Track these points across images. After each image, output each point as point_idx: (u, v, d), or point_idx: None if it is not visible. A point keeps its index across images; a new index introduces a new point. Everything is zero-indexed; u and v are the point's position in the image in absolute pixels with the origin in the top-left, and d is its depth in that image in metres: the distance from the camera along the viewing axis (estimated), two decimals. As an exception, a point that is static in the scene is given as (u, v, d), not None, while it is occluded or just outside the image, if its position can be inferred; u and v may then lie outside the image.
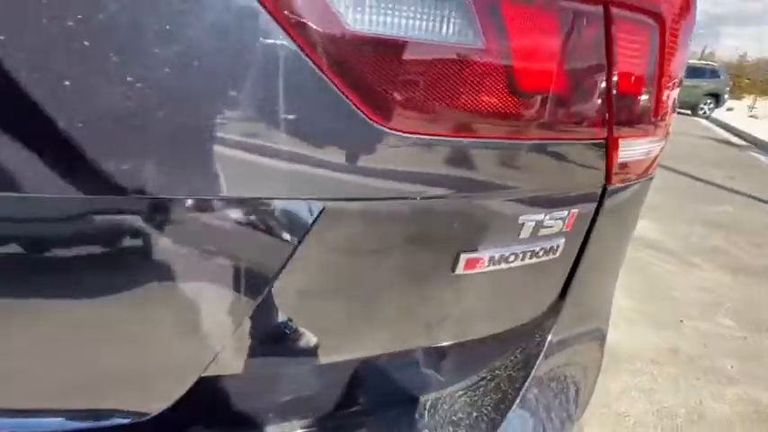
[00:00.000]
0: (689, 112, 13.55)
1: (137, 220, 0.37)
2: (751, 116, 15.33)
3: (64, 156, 0.32)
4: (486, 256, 0.47)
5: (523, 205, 0.46)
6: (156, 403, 0.46)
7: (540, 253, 0.51)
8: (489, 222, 0.46)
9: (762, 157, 7.57)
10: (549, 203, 0.48)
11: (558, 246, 0.52)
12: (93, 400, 0.45)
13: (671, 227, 3.51)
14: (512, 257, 0.49)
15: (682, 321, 2.24)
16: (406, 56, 0.35)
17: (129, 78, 0.30)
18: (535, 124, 0.41)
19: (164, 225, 0.38)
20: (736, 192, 4.88)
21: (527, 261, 0.51)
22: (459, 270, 0.46)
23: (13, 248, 0.36)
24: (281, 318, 0.46)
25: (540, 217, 0.48)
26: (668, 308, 2.36)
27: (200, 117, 0.33)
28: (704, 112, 13.55)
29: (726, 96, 14.13)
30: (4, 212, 0.34)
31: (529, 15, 0.37)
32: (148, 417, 0.47)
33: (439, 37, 0.35)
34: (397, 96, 0.36)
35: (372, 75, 0.34)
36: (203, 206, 0.38)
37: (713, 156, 7.16)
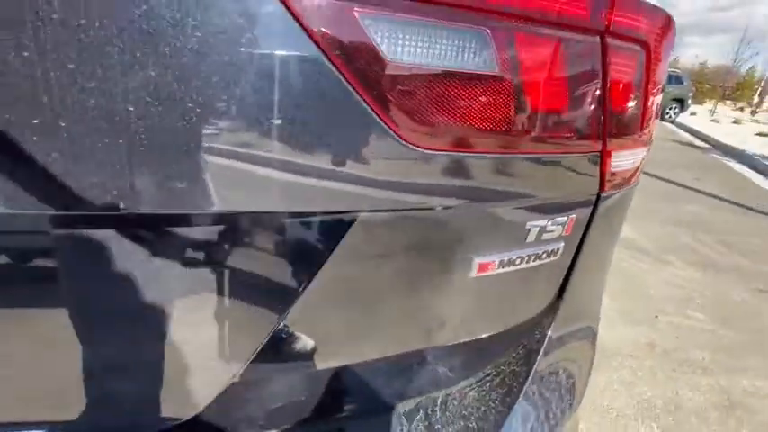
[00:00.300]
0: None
1: (181, 233, 0.40)
2: (712, 120, 16.15)
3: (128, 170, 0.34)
4: (496, 260, 0.51)
5: (531, 212, 0.51)
6: (190, 410, 0.48)
7: (543, 256, 0.55)
8: (501, 228, 0.50)
9: (723, 159, 7.99)
10: (552, 210, 0.53)
11: (558, 249, 0.57)
12: (139, 407, 0.46)
13: (645, 226, 3.67)
14: (518, 260, 0.53)
15: (657, 317, 2.36)
16: (433, 82, 0.39)
17: (189, 104, 0.33)
18: (543, 140, 0.45)
19: (204, 238, 0.41)
20: (703, 192, 5.14)
21: (531, 264, 0.55)
22: (473, 273, 0.51)
23: (68, 261, 0.38)
24: (312, 324, 0.48)
25: (544, 222, 0.52)
26: (644, 304, 2.48)
27: (246, 139, 0.36)
28: (670, 117, 14.18)
29: (689, 102, 14.82)
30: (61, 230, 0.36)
31: (538, 45, 0.41)
32: (181, 421, 0.49)
33: (461, 65, 0.39)
34: (424, 117, 0.40)
35: (403, 99, 0.38)
36: (245, 220, 0.40)
37: (680, 158, 7.51)
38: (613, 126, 0.52)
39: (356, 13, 0.34)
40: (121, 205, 0.35)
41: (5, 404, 0.45)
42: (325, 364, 0.52)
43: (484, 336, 0.63)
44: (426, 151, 0.41)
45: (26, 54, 0.30)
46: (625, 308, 2.40)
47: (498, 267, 0.52)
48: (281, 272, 0.44)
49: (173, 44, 0.31)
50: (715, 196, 5.01)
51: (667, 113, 14.11)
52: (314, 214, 0.41)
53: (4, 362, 0.43)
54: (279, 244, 0.42)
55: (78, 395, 0.45)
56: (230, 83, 0.33)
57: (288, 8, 0.33)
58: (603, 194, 0.59)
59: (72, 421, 0.45)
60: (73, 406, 0.46)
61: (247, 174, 0.37)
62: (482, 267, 0.51)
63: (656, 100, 0.59)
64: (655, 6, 0.50)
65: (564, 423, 0.70)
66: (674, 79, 13.94)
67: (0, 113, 0.31)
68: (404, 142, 0.39)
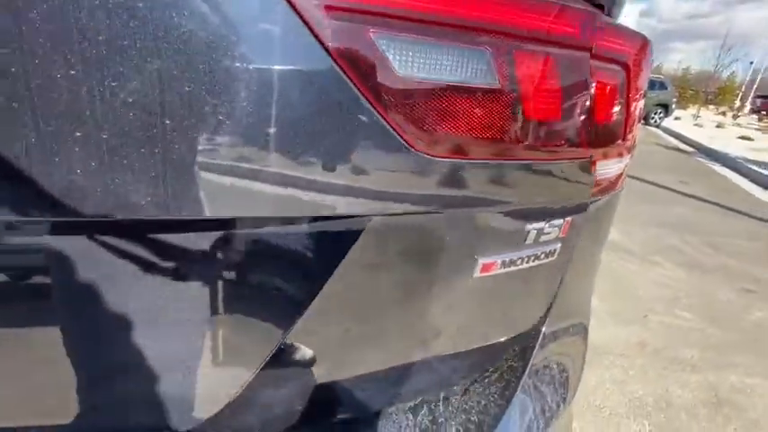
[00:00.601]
0: (642, 121, 14.40)
1: (193, 240, 0.42)
2: (696, 124, 16.55)
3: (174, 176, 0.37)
4: (498, 261, 0.54)
5: (530, 215, 0.54)
6: (199, 418, 0.50)
7: (542, 256, 0.59)
8: (503, 230, 0.54)
9: (707, 162, 8.18)
10: (549, 213, 0.57)
11: (555, 249, 0.60)
12: (147, 415, 0.49)
13: (632, 229, 3.75)
14: (519, 261, 0.57)
15: (646, 316, 2.42)
16: (440, 96, 0.42)
17: (223, 119, 0.36)
18: (537, 148, 0.49)
19: (214, 246, 0.43)
20: (688, 195, 5.26)
21: (531, 264, 0.59)
22: (477, 273, 0.54)
23: (92, 269, 0.40)
24: (323, 330, 0.51)
25: (542, 225, 0.56)
26: (634, 304, 2.54)
27: (266, 151, 0.39)
28: (655, 121, 14.50)
29: (674, 106, 15.16)
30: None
31: (534, 61, 0.45)
32: (201, 422, 0.51)
33: (465, 80, 0.42)
34: (432, 127, 0.43)
35: (413, 110, 0.42)
36: (255, 227, 0.43)
37: (665, 161, 7.67)
38: (599, 135, 0.56)
39: (372, 35, 0.38)
40: (139, 212, 0.37)
41: (13, 407, 0.47)
42: (334, 368, 0.54)
43: (493, 341, 0.66)
44: (434, 159, 0.44)
45: (73, 73, 0.32)
46: (615, 308, 2.46)
47: (501, 267, 0.55)
48: (294, 279, 0.46)
49: (207, 64, 0.34)
50: (700, 198, 5.13)
51: (653, 118, 14.42)
52: (326, 220, 0.44)
53: (13, 367, 0.44)
54: (293, 252, 0.45)
55: (90, 401, 0.47)
56: (252, 96, 0.36)
57: (311, 30, 0.36)
58: (593, 199, 0.62)
59: (73, 424, 0.47)
60: (81, 411, 0.47)
61: (265, 182, 0.40)
62: (485, 267, 0.54)
63: (639, 105, 0.63)
64: (633, 31, 0.55)
65: (559, 416, 0.73)
66: (659, 85, 14.25)
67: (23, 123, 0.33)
68: (413, 150, 0.43)
